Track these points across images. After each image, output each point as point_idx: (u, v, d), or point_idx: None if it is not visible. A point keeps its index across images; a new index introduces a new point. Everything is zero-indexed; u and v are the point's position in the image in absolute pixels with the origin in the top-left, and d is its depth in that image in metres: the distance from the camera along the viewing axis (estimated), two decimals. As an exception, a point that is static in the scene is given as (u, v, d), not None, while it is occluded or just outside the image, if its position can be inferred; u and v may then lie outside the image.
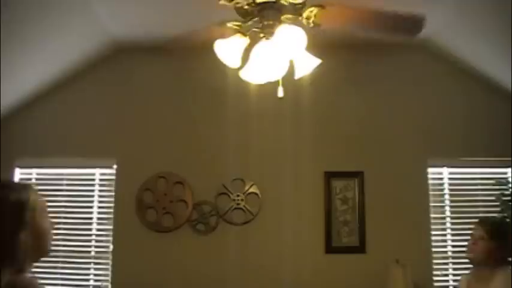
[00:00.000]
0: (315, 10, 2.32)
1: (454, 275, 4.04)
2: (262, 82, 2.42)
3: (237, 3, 2.32)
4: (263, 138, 4.15)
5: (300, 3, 2.31)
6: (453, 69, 4.20)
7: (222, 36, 2.38)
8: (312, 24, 2.36)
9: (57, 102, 4.24)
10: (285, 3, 2.31)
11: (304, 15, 2.34)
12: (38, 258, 1.53)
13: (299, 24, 2.33)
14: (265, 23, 2.34)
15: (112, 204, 4.13)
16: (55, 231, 1.52)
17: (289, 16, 2.36)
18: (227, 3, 2.31)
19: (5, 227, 1.38)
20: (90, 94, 4.26)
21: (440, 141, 4.12)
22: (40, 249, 1.51)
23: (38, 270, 4.11)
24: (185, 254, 4.00)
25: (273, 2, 2.30)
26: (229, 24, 2.40)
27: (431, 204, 4.11)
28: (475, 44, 3.85)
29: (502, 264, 2.52)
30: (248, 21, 2.39)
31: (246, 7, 2.33)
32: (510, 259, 2.56)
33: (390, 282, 3.63)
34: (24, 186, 1.50)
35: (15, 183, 1.48)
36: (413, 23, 2.41)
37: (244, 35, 2.41)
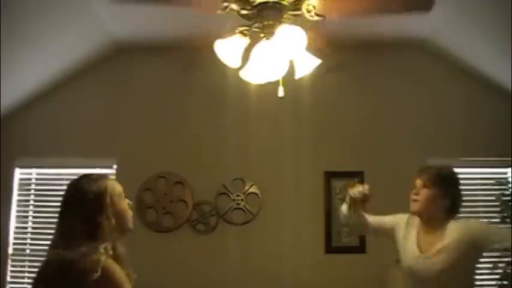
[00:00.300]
0: (312, 2, 2.31)
1: (454, 275, 4.04)
2: (263, 82, 2.42)
3: (238, 11, 2.32)
4: (263, 138, 4.15)
5: (297, 14, 2.30)
6: (453, 69, 4.20)
7: (220, 34, 2.38)
8: (315, 17, 2.35)
9: (57, 102, 4.24)
10: (285, 2, 2.31)
11: (304, 9, 2.33)
12: (122, 236, 1.77)
13: (301, 19, 2.32)
14: (266, 23, 2.34)
15: (112, 204, 4.12)
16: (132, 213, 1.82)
17: (291, 14, 2.35)
18: (230, 10, 2.31)
19: (88, 213, 1.67)
20: (90, 94, 4.26)
21: (440, 141, 4.12)
22: (121, 227, 1.75)
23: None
24: (185, 254, 4.00)
25: (274, 2, 2.30)
26: (237, 31, 2.40)
27: (431, 204, 4.10)
28: (475, 44, 3.85)
29: (451, 215, 2.35)
30: (253, 24, 2.39)
31: (248, 12, 2.33)
32: (459, 209, 2.39)
33: (390, 282, 3.63)
34: (102, 176, 1.79)
35: (94, 174, 1.80)
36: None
37: (244, 35, 2.41)
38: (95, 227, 1.66)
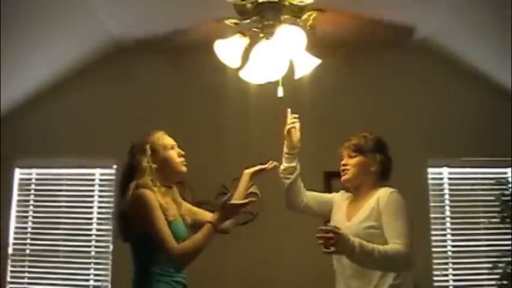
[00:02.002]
0: (313, 14, 2.34)
1: (454, 275, 4.05)
2: (262, 82, 2.42)
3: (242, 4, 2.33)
4: (263, 138, 4.14)
5: (300, 6, 2.31)
6: (453, 69, 4.20)
7: (220, 33, 2.39)
8: (308, 27, 2.38)
9: (57, 102, 4.24)
10: (287, 3, 2.32)
11: (303, 18, 2.35)
12: (173, 178, 2.35)
13: (297, 26, 2.34)
14: (265, 23, 2.34)
15: (112, 204, 4.13)
16: (183, 161, 2.36)
17: (288, 17, 2.37)
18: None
19: (134, 160, 2.24)
20: (90, 94, 4.26)
21: (441, 141, 4.12)
22: (167, 171, 2.27)
23: (38, 270, 4.12)
24: (185, 254, 4.00)
25: (275, 2, 2.30)
26: (227, 22, 2.41)
27: (431, 204, 4.11)
28: (475, 44, 3.85)
29: (379, 181, 2.35)
30: (246, 19, 2.39)
31: (248, 5, 2.33)
32: (387, 175, 2.39)
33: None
34: (152, 133, 2.39)
35: (144, 133, 2.41)
36: (402, 34, 2.44)
37: (244, 35, 2.41)
38: (138, 169, 2.18)
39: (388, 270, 2.15)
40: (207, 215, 2.40)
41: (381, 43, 4.03)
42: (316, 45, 2.40)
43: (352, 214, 2.35)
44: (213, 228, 2.10)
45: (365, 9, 3.38)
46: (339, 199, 2.53)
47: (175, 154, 2.34)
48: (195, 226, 2.29)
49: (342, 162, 2.43)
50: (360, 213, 2.28)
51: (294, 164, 2.64)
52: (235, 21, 2.40)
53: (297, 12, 2.35)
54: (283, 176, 2.65)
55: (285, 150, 2.67)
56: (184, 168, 2.34)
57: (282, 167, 2.65)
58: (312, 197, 2.64)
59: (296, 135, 2.61)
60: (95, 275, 4.10)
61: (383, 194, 2.26)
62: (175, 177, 2.35)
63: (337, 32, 2.66)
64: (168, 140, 2.38)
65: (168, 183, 2.29)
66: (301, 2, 2.29)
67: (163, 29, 3.88)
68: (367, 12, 3.31)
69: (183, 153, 2.38)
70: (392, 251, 2.08)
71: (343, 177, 2.41)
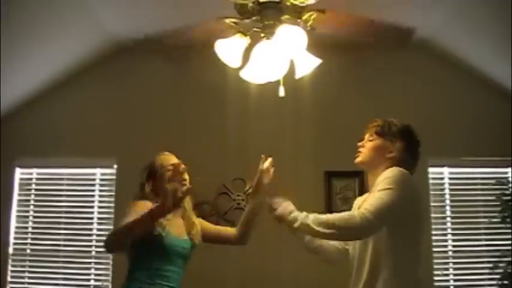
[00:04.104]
0: (314, 14, 2.33)
1: (455, 274, 4.04)
2: (263, 82, 2.42)
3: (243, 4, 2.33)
4: (263, 138, 4.14)
5: (301, 6, 2.31)
6: (453, 68, 4.20)
7: (220, 32, 2.39)
8: (308, 28, 2.37)
9: (57, 102, 4.24)
10: (288, 3, 2.32)
11: (304, 18, 2.35)
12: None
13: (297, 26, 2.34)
14: (266, 22, 2.34)
15: (112, 204, 4.13)
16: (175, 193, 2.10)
17: (289, 17, 2.37)
18: None
19: (143, 178, 2.46)
20: (90, 94, 4.27)
21: (441, 141, 4.11)
22: (161, 197, 2.11)
23: (38, 270, 4.12)
24: (185, 254, 4.00)
25: (276, 2, 2.30)
26: (226, 21, 2.40)
27: (432, 203, 4.11)
28: (475, 44, 3.85)
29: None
30: (245, 18, 2.39)
31: (250, 5, 2.33)
32: (409, 166, 2.18)
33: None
34: (157, 155, 2.54)
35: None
36: (402, 35, 2.44)
37: (245, 34, 2.41)
38: (141, 188, 2.43)
39: (334, 239, 2.14)
40: (228, 230, 2.66)
41: (381, 43, 4.03)
42: (316, 45, 2.40)
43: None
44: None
45: (365, 9, 3.38)
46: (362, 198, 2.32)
47: (173, 176, 2.41)
48: (215, 241, 2.61)
49: (360, 143, 2.28)
50: (364, 199, 2.13)
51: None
52: (235, 20, 2.40)
53: (297, 13, 2.34)
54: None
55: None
56: (180, 191, 2.15)
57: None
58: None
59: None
60: (96, 274, 4.10)
61: (384, 172, 2.06)
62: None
63: (337, 32, 2.66)
64: (167, 162, 2.46)
65: None
66: (302, 2, 2.29)
67: (164, 29, 3.88)
68: (367, 12, 3.30)
69: (184, 171, 2.47)
70: (342, 218, 1.93)
71: (356, 159, 2.27)
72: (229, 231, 2.68)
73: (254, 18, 2.38)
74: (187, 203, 2.46)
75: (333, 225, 1.96)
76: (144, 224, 2.06)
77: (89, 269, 4.11)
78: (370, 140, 2.25)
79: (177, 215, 2.36)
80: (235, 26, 2.40)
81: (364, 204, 1.98)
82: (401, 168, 2.09)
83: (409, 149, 2.26)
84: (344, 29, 2.57)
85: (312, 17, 2.34)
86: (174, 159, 2.48)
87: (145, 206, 2.16)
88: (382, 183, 2.01)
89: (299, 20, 2.36)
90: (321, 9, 2.32)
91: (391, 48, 4.04)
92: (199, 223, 2.53)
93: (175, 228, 2.34)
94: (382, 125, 2.27)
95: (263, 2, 2.30)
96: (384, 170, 2.11)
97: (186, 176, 2.45)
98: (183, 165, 2.48)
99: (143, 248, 2.24)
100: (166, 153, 2.52)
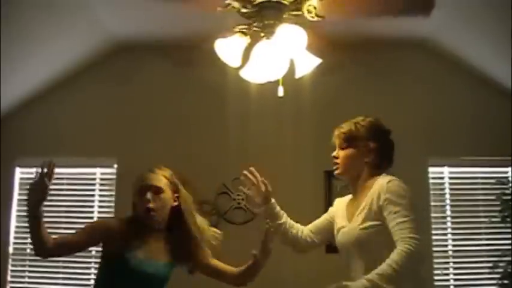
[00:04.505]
0: (313, 2, 2.31)
1: (455, 274, 4.04)
2: (263, 82, 2.42)
3: (239, 9, 2.32)
4: (263, 137, 4.14)
5: (298, 15, 2.31)
6: (453, 68, 4.19)
7: (221, 32, 2.39)
8: (315, 18, 2.35)
9: (57, 102, 4.24)
10: (286, 2, 2.31)
11: (305, 9, 2.33)
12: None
13: (302, 20, 2.32)
14: (266, 22, 2.34)
15: (113, 204, 4.12)
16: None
17: (291, 14, 2.36)
18: (231, 8, 2.31)
19: None
20: (90, 94, 4.26)
21: (441, 141, 4.11)
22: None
23: (38, 270, 4.12)
24: (185, 254, 3.99)
25: (275, 2, 2.30)
26: (236, 29, 2.40)
27: (432, 203, 4.10)
28: (475, 44, 3.85)
29: (377, 171, 2.11)
30: (253, 22, 2.39)
31: (248, 10, 2.33)
32: (385, 162, 2.18)
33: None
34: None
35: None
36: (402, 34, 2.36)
37: (245, 34, 2.41)
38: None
39: (409, 273, 1.93)
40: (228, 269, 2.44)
41: (381, 43, 4.03)
42: (316, 45, 2.40)
43: (352, 213, 2.15)
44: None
45: (365, 10, 3.38)
46: (336, 207, 2.34)
47: (142, 200, 2.14)
48: (212, 275, 2.40)
49: (333, 154, 2.23)
50: (359, 213, 2.08)
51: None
52: (243, 27, 2.39)
53: (297, 6, 2.33)
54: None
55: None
56: (148, 218, 2.11)
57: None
58: (314, 228, 2.42)
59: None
60: (95, 274, 4.09)
61: (380, 186, 2.03)
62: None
63: (336, 32, 2.64)
64: (139, 185, 2.20)
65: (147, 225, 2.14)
66: (313, 17, 2.28)
67: (164, 28, 3.88)
68: (366, 12, 3.30)
69: (149, 200, 2.12)
70: (401, 258, 1.88)
71: (335, 172, 2.22)
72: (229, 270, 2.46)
73: (254, 18, 2.38)
74: (195, 224, 2.24)
75: (400, 269, 1.86)
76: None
77: (89, 268, 4.10)
78: (342, 149, 2.19)
79: (155, 236, 2.16)
80: (236, 27, 2.40)
81: (396, 233, 1.94)
82: (391, 179, 2.08)
83: (383, 147, 2.21)
84: (355, 10, 2.50)
85: (312, 5, 2.30)
86: (154, 179, 2.20)
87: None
88: (391, 205, 1.97)
89: (302, 13, 2.34)
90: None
91: (391, 48, 4.04)
92: (207, 255, 2.36)
93: (149, 251, 2.12)
94: (350, 129, 2.19)
95: (262, 2, 2.30)
96: (367, 176, 2.12)
97: (152, 205, 2.12)
98: (158, 188, 2.17)
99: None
100: (158, 170, 2.26)
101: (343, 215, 2.22)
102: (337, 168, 2.22)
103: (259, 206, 2.41)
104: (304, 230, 2.42)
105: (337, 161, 2.21)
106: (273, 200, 2.39)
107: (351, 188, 2.24)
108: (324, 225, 2.38)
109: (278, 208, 2.40)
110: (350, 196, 2.26)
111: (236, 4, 2.34)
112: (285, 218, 2.43)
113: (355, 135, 2.16)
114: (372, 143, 2.15)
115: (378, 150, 2.16)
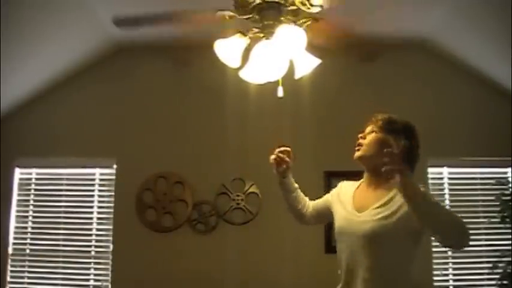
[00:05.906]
0: (308, 22, 2.32)
1: (455, 274, 4.04)
2: (262, 82, 2.42)
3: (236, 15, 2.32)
4: (263, 137, 4.14)
5: (300, 10, 2.31)
6: (453, 68, 4.20)
7: (220, 32, 2.38)
8: (311, 8, 2.34)
9: (57, 102, 4.24)
10: (290, 7, 2.32)
11: (298, 2, 2.33)
12: None
13: (302, 17, 2.33)
14: (265, 22, 2.34)
15: (112, 204, 4.13)
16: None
17: (288, 17, 2.36)
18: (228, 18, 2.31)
19: None
20: (90, 94, 4.27)
21: (441, 141, 4.11)
22: None
23: (38, 270, 4.12)
24: (185, 254, 4.00)
25: (275, 3, 2.30)
26: (223, 13, 2.38)
27: (432, 203, 4.10)
28: (475, 44, 3.85)
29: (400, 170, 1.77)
30: (242, 14, 2.38)
31: (249, 5, 2.32)
32: (412, 163, 2.09)
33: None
34: None
35: None
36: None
37: (244, 34, 2.41)
38: None
39: (447, 234, 1.75)
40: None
41: (381, 43, 4.03)
42: (316, 45, 2.40)
43: (361, 202, 2.06)
44: None
45: (365, 10, 3.38)
46: (344, 191, 2.26)
47: None
48: None
49: (361, 135, 2.15)
50: (380, 205, 1.97)
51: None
52: (232, 14, 2.39)
53: (294, 16, 2.34)
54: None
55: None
56: None
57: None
58: (315, 213, 2.50)
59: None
60: (95, 275, 4.10)
61: None
62: None
63: (321, 42, 2.64)
64: None
65: None
66: (309, 8, 2.28)
67: (163, 29, 3.87)
68: (367, 12, 3.31)
69: None
70: (450, 211, 1.84)
71: (355, 154, 2.14)
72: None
73: (251, 16, 2.37)
74: None
75: (458, 220, 1.75)
76: None
77: (88, 269, 4.11)
78: (373, 132, 2.13)
79: None
80: (232, 22, 2.39)
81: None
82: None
83: (412, 149, 2.15)
84: (329, 40, 2.57)
85: (306, 24, 2.33)
86: None
87: None
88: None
89: (296, 7, 2.34)
90: (316, 17, 2.30)
91: (391, 48, 4.04)
92: None
93: None
94: (388, 118, 2.16)
95: (263, 2, 2.30)
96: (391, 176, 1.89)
97: None
98: None
99: None
100: None
101: (349, 201, 2.15)
102: (358, 150, 2.15)
103: (282, 174, 2.54)
104: (308, 208, 2.54)
105: (362, 142, 2.14)
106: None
107: (367, 177, 2.16)
108: (323, 210, 2.43)
109: (293, 181, 2.60)
110: (357, 183, 2.21)
111: (231, 13, 2.34)
112: (296, 192, 2.61)
113: (392, 125, 2.13)
114: (404, 140, 2.11)
115: (406, 149, 2.10)
